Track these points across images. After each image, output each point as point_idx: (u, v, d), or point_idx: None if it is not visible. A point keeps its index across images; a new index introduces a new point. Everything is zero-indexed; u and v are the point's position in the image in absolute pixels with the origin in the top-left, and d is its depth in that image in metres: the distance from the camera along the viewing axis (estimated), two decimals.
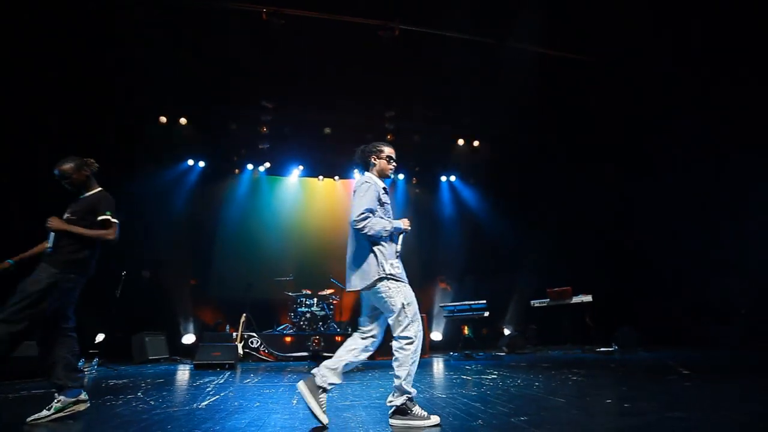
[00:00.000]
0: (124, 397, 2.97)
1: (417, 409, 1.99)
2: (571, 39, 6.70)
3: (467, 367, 4.80)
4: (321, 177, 9.77)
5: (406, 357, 2.00)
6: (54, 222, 2.36)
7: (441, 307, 6.99)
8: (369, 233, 2.06)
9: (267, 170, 9.37)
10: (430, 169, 9.83)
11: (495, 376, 3.72)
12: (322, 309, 7.02)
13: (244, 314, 6.24)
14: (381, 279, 2.05)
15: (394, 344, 2.05)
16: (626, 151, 7.42)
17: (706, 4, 5.42)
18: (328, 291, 7.27)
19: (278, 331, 6.82)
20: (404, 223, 2.22)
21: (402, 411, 1.99)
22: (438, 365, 5.27)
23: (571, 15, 6.19)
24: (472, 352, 6.20)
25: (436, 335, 8.04)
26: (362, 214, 2.05)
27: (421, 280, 8.96)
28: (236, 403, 2.63)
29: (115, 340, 6.36)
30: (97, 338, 6.22)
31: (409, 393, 2.00)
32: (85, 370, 4.97)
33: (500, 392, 2.87)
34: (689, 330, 6.25)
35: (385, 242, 2.14)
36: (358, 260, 2.13)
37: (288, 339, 6.39)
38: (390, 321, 2.09)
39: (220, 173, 9.03)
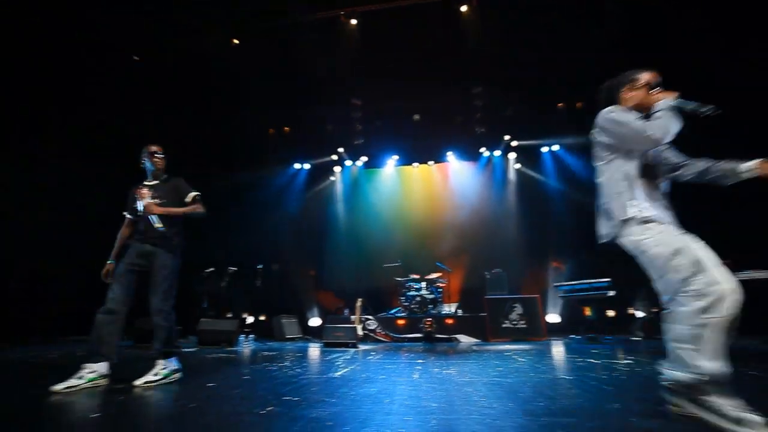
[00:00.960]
0: (276, 365, 3.59)
1: (719, 401, 1.39)
2: None
3: (593, 350, 4.40)
4: (416, 164, 9.95)
5: (683, 325, 1.47)
6: (154, 207, 2.67)
7: (555, 286, 6.50)
8: (662, 134, 1.61)
9: (365, 164, 10.02)
10: (528, 141, 9.12)
11: (630, 361, 3.35)
12: (431, 292, 7.20)
13: (360, 299, 6.81)
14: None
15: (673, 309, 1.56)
16: None
17: None
18: (435, 275, 7.42)
19: (391, 314, 7.27)
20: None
21: (688, 396, 1.47)
22: (560, 347, 4.96)
23: None
24: (598, 336, 5.64)
25: (554, 317, 7.52)
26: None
27: (531, 259, 8.44)
28: (364, 375, 2.95)
29: (259, 322, 7.80)
30: (247, 320, 7.64)
31: (694, 374, 1.44)
32: (245, 343, 6.22)
33: (640, 379, 2.59)
34: None
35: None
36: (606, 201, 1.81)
37: (401, 321, 6.78)
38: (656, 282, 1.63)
39: (324, 173, 10.01)
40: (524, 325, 6.19)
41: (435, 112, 8.76)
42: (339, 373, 3.07)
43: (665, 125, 1.61)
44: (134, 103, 7.21)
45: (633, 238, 1.67)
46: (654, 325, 5.82)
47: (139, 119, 7.13)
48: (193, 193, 2.87)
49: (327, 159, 9.79)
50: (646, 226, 1.64)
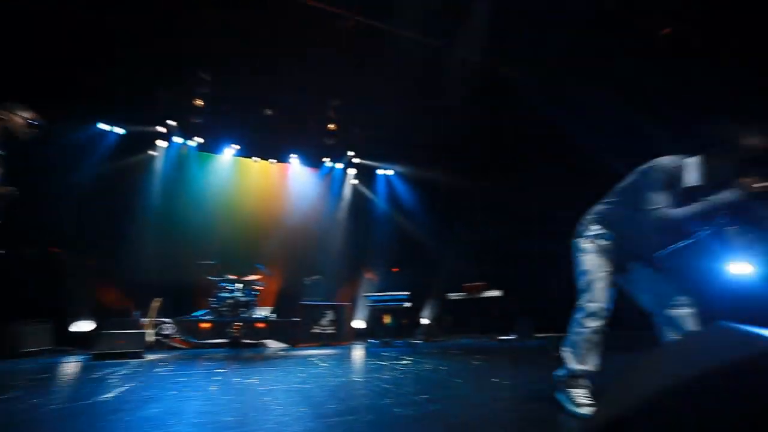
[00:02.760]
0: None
1: (575, 392, 1.83)
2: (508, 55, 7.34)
3: (384, 353, 5.15)
4: (256, 158, 9.39)
5: (573, 329, 1.92)
6: None
7: (365, 296, 7.30)
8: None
9: (198, 146, 8.71)
10: (369, 161, 10.06)
11: (408, 362, 4.08)
12: (246, 295, 6.86)
13: (158, 299, 5.84)
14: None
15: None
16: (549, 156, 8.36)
17: None
18: (254, 277, 7.12)
19: (196, 316, 6.51)
20: None
21: (564, 383, 1.91)
22: (360, 351, 5.56)
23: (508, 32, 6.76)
24: (391, 340, 6.62)
25: (359, 323, 8.37)
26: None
27: (350, 270, 9.20)
28: (148, 393, 2.56)
29: None
30: None
31: (573, 367, 1.87)
32: None
33: (410, 375, 3.20)
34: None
35: None
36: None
37: (205, 325, 6.15)
38: None
39: (142, 143, 8.11)
40: (332, 331, 6.65)
41: (289, 112, 8.55)
42: (111, 394, 2.53)
43: (682, 221, 1.59)
44: None
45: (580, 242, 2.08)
46: (433, 331, 7.26)
47: None
48: None
49: (150, 129, 8.07)
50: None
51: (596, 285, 1.86)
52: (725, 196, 1.51)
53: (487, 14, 6.21)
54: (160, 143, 8.35)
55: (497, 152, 9.07)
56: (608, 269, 1.90)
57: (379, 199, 10.18)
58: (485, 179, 9.29)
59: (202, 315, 6.61)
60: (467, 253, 8.87)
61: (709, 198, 1.55)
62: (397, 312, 7.01)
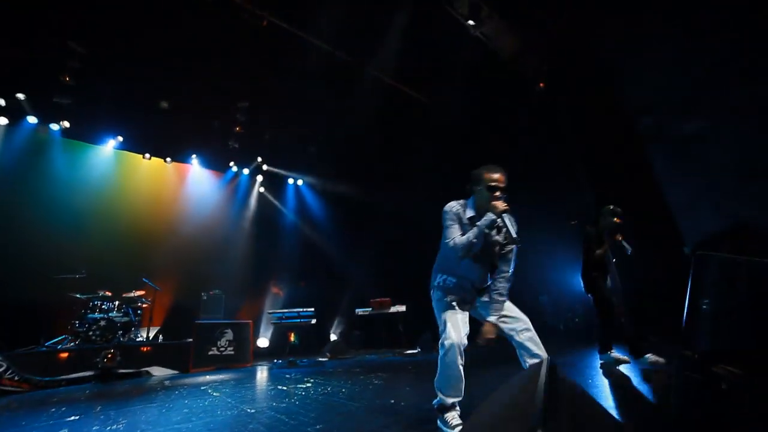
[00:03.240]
0: None
1: (449, 416, 2.08)
2: (419, 79, 7.87)
3: (287, 375, 4.88)
4: (148, 155, 8.22)
5: (441, 365, 2.12)
6: None
7: (269, 313, 6.87)
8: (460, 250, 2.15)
9: (65, 131, 7.17)
10: (278, 169, 9.63)
11: (309, 385, 3.92)
12: (126, 314, 5.90)
13: None
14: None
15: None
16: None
17: None
18: (138, 293, 6.19)
19: (48, 346, 5.30)
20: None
21: (439, 409, 2.13)
22: (261, 374, 5.17)
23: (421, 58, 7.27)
24: (296, 359, 6.32)
25: (263, 342, 7.85)
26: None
27: (254, 284, 8.59)
28: None
29: None
30: None
31: (444, 398, 2.11)
32: None
33: (308, 401, 3.07)
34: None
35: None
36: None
37: (63, 355, 5.04)
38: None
39: None
40: (231, 352, 6.09)
41: (192, 108, 7.71)
42: None
43: (467, 245, 2.07)
44: None
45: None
46: (340, 348, 7.15)
47: None
48: None
49: None
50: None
51: (450, 325, 2.10)
52: (486, 218, 2.05)
53: (396, 36, 6.68)
54: (1, 120, 6.64)
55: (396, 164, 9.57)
56: (460, 308, 2.18)
57: (287, 209, 9.78)
58: (388, 190, 9.61)
59: (57, 343, 5.42)
60: (374, 268, 9.04)
61: (477, 223, 2.07)
62: (303, 329, 6.75)
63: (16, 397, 4.09)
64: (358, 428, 2.23)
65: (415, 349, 6.83)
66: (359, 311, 7.08)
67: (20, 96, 6.51)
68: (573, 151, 7.79)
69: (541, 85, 7.83)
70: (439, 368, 2.12)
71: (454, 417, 2.07)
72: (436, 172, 8.80)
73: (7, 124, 6.66)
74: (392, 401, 2.90)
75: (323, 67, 7.03)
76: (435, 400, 2.18)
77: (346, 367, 5.55)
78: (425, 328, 7.02)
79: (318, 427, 2.24)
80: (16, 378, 4.40)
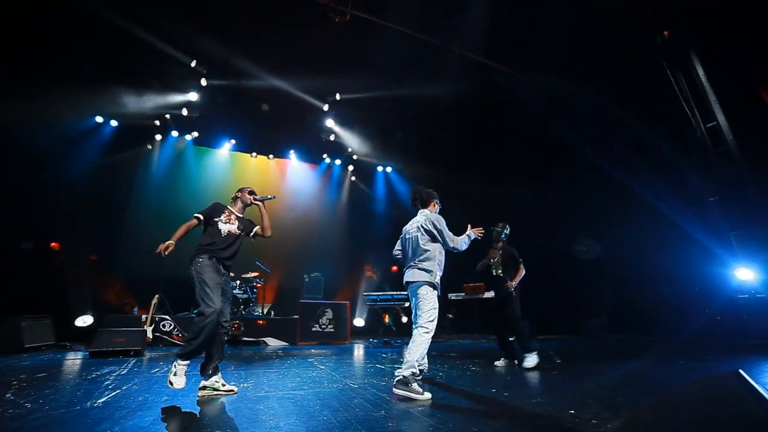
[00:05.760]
0: None
1: (416, 385, 2.53)
2: (507, 54, 7.27)
3: (383, 355, 5.11)
4: (254, 153, 9.34)
5: (422, 342, 2.66)
6: None
7: (364, 295, 7.26)
8: (462, 249, 2.95)
9: (194, 140, 8.70)
10: (368, 158, 9.96)
11: None
12: (245, 292, 6.84)
13: (157, 295, 5.83)
14: (430, 284, 2.81)
15: (416, 330, 2.74)
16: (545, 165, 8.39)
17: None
18: (253, 274, 7.10)
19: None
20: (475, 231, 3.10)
21: (404, 382, 2.55)
22: (358, 351, 5.52)
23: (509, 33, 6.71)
24: (391, 339, 6.58)
25: (359, 321, 8.35)
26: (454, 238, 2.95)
27: (349, 267, 9.15)
28: (141, 398, 2.53)
29: None
30: None
31: (414, 369, 2.59)
32: None
33: None
34: (569, 321, 7.59)
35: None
36: (427, 263, 2.88)
37: None
38: (419, 313, 2.79)
39: (138, 137, 8.10)
40: (332, 329, 6.63)
41: (287, 108, 8.46)
42: (102, 399, 2.49)
43: (463, 245, 2.96)
44: None
45: (426, 289, 2.85)
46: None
47: None
48: None
49: (147, 122, 8.01)
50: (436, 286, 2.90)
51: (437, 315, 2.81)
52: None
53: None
54: (156, 137, 8.37)
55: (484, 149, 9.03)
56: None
57: (378, 196, 10.10)
58: (474, 174, 9.19)
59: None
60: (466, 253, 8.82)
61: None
62: (396, 311, 6.97)
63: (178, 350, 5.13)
64: (471, 416, 2.20)
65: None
66: (452, 296, 7.01)
67: (167, 115, 8.00)
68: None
69: (665, 33, 6.51)
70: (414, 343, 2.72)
71: (418, 383, 2.65)
72: (526, 158, 8.19)
73: (162, 140, 8.43)
74: (494, 390, 2.81)
75: (406, 53, 6.98)
76: (402, 370, 2.64)
77: (440, 350, 5.57)
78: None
79: (419, 409, 2.28)
80: (181, 335, 5.74)
